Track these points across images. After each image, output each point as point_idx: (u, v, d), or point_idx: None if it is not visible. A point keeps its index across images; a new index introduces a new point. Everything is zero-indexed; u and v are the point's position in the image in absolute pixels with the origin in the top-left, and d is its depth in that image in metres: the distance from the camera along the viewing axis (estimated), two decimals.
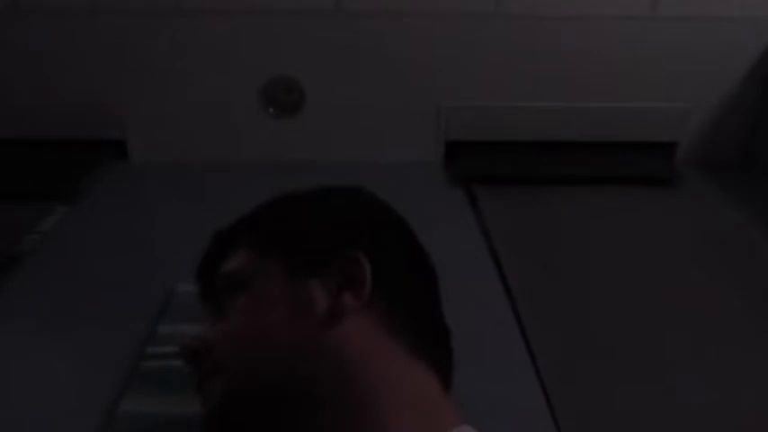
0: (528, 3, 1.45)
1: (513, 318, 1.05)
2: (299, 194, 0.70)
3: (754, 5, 1.46)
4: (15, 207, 1.32)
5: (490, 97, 1.54)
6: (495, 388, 0.86)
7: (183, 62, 1.49)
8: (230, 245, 0.67)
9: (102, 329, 0.98)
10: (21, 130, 1.52)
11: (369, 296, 0.54)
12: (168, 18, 1.44)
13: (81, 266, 1.15)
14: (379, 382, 0.51)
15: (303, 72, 1.51)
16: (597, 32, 1.49)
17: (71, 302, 1.05)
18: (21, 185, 1.42)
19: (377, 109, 1.54)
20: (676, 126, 1.59)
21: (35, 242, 1.22)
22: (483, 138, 1.58)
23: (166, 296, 1.04)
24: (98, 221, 1.31)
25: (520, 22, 1.47)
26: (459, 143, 1.58)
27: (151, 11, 1.43)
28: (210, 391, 0.57)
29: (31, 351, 0.94)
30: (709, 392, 0.91)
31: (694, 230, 1.36)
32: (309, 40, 1.48)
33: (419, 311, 0.59)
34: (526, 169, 1.53)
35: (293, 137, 1.56)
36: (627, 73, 1.53)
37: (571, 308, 1.09)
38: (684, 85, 1.54)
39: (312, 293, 0.55)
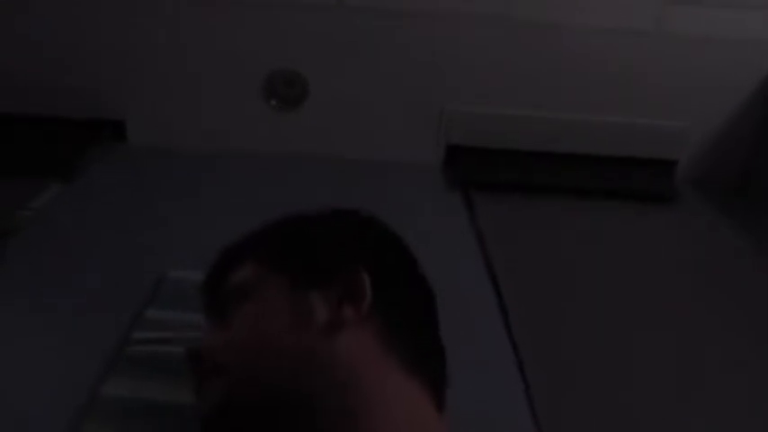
0: (535, 10, 1.45)
1: (503, 325, 1.05)
2: (306, 215, 0.72)
3: (757, 28, 1.46)
4: (10, 182, 1.31)
5: (493, 103, 1.54)
6: (482, 399, 0.86)
7: (189, 48, 1.48)
8: (238, 259, 0.69)
9: (89, 311, 0.97)
10: (22, 107, 1.51)
11: (368, 310, 0.56)
12: (176, 3, 1.43)
13: (72, 246, 1.14)
14: (373, 395, 0.52)
15: (307, 66, 1.50)
16: (602, 45, 1.49)
17: (59, 282, 1.04)
18: (17, 162, 1.41)
19: (379, 107, 1.54)
20: (676, 144, 1.60)
21: (27, 219, 1.21)
22: (483, 144, 1.58)
23: (156, 282, 1.03)
24: (92, 201, 1.30)
25: (526, 28, 1.47)
26: (459, 147, 1.58)
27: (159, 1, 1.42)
28: (210, 392, 0.58)
29: (15, 329, 0.93)
30: (697, 402, 0.92)
31: (688, 247, 1.36)
32: (315, 34, 1.47)
33: (416, 330, 0.61)
34: (525, 177, 1.53)
35: (293, 130, 1.55)
36: (630, 87, 1.53)
37: (560, 317, 1.09)
38: (686, 103, 1.54)
39: (313, 305, 0.57)
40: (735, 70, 1.52)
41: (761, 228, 1.43)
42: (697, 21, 1.46)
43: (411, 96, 1.53)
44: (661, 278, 1.23)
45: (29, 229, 1.18)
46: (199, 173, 1.43)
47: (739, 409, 0.93)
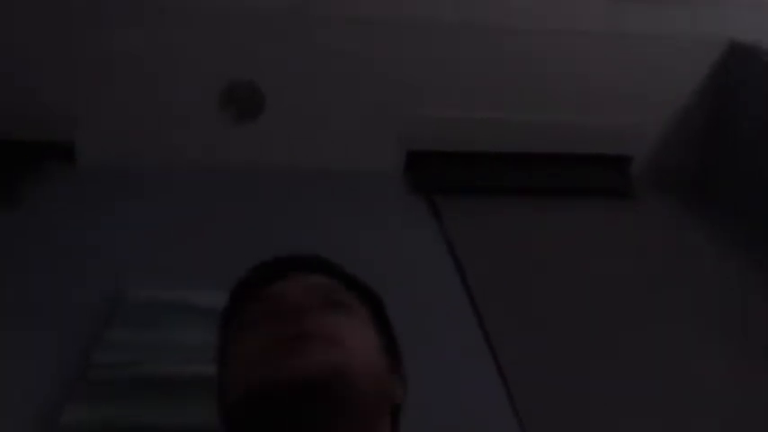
0: (491, 15, 1.46)
1: (477, 324, 1.04)
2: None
3: (704, 22, 1.51)
4: None
5: (450, 107, 1.54)
6: (464, 409, 0.85)
7: (141, 63, 1.43)
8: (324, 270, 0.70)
9: (45, 337, 0.91)
10: None
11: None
12: (131, 16, 1.39)
13: (23, 270, 1.08)
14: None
15: (264, 76, 1.48)
16: (554, 45, 1.51)
17: (12, 308, 0.98)
18: None
19: (338, 116, 1.52)
20: (631, 140, 1.63)
21: None
22: (443, 148, 1.58)
23: (114, 301, 0.98)
24: (42, 225, 1.24)
25: (482, 34, 1.48)
26: (419, 153, 1.57)
27: (109, 11, 1.37)
28: (313, 352, 0.55)
29: None
30: (662, 393, 0.93)
31: (647, 242, 1.38)
32: (272, 43, 1.45)
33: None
34: (485, 179, 1.53)
35: (252, 141, 1.52)
36: (584, 86, 1.55)
37: (531, 314, 1.10)
38: (639, 100, 1.58)
39: (382, 345, 0.64)
40: (684, 65, 1.56)
41: (717, 221, 1.46)
42: (645, 18, 1.49)
43: (370, 103, 1.52)
44: (622, 274, 1.24)
45: None
46: (153, 190, 1.38)
47: (705, 399, 0.94)
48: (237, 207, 1.33)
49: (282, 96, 1.49)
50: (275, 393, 0.53)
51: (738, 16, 1.51)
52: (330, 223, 1.28)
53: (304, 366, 0.53)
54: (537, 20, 1.47)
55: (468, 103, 1.54)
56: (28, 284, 1.04)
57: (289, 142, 1.53)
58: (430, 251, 1.25)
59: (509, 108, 1.55)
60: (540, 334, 1.04)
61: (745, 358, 1.04)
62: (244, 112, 1.50)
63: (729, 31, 1.53)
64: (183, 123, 1.49)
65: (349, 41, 1.45)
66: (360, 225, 1.27)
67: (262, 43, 1.44)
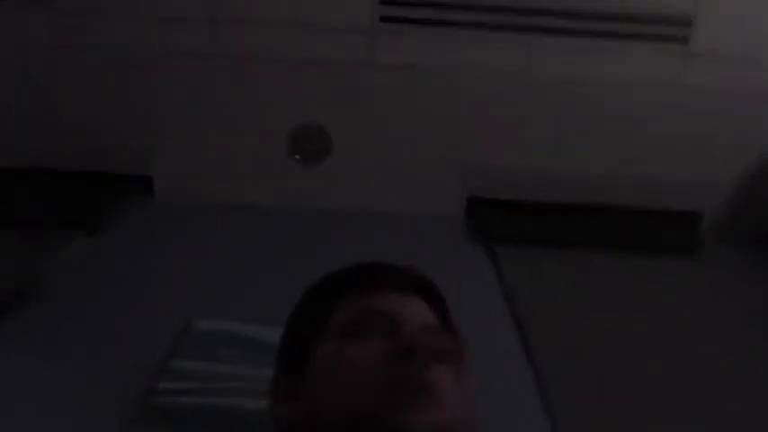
0: (559, 64, 1.48)
1: (534, 380, 1.02)
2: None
3: None
4: (37, 235, 1.33)
5: (515, 155, 1.55)
6: None
7: (215, 103, 1.52)
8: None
9: (113, 362, 0.96)
10: (54, 161, 1.54)
11: None
12: (205, 60, 1.48)
13: (97, 297, 1.14)
14: None
15: (332, 120, 1.53)
16: (625, 97, 1.50)
17: (84, 333, 1.03)
18: (46, 214, 1.43)
19: (402, 161, 1.55)
20: (701, 196, 1.59)
21: (54, 270, 1.22)
22: (506, 196, 1.58)
23: (181, 332, 1.02)
24: (117, 254, 1.31)
25: (550, 83, 1.49)
26: (482, 199, 1.58)
27: (188, 51, 1.47)
28: (426, 408, 0.56)
29: (40, 380, 0.92)
30: None
31: (715, 301, 1.33)
32: (341, 89, 1.50)
33: None
34: (548, 230, 1.52)
35: (318, 184, 1.57)
36: (655, 140, 1.53)
37: (589, 370, 1.07)
38: (710, 155, 1.54)
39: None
40: (759, 124, 1.52)
41: None
42: (720, 74, 1.47)
43: (434, 149, 1.55)
44: (686, 333, 1.20)
45: (55, 280, 1.19)
46: (224, 227, 1.44)
47: None
48: (303, 247, 1.36)
49: (349, 140, 1.54)
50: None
51: None
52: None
53: (414, 422, 0.55)
54: (607, 69, 1.48)
55: (533, 152, 1.55)
56: (100, 311, 1.10)
57: (354, 185, 1.57)
58: (487, 301, 1.25)
59: (575, 158, 1.55)
60: (599, 391, 1.02)
61: None
62: (311, 155, 1.55)
63: None
64: (254, 164, 1.56)
65: (415, 88, 1.50)
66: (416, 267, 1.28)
67: (331, 89, 1.50)
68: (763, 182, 1.57)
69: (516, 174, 1.56)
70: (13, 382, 0.91)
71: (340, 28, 1.45)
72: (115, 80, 1.50)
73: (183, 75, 1.49)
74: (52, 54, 1.47)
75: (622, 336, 1.18)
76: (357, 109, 1.52)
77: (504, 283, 1.30)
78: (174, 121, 1.53)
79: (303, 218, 1.49)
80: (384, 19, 1.45)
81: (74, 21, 1.45)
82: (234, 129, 1.53)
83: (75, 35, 1.46)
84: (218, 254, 1.32)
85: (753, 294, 1.37)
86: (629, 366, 1.09)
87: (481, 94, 1.51)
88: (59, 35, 1.45)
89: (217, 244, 1.36)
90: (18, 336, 1.02)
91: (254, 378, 0.90)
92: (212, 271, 1.25)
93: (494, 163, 1.56)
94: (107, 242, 1.35)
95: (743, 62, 1.47)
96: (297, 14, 1.44)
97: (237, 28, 1.46)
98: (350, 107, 1.52)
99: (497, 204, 1.57)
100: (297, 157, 1.56)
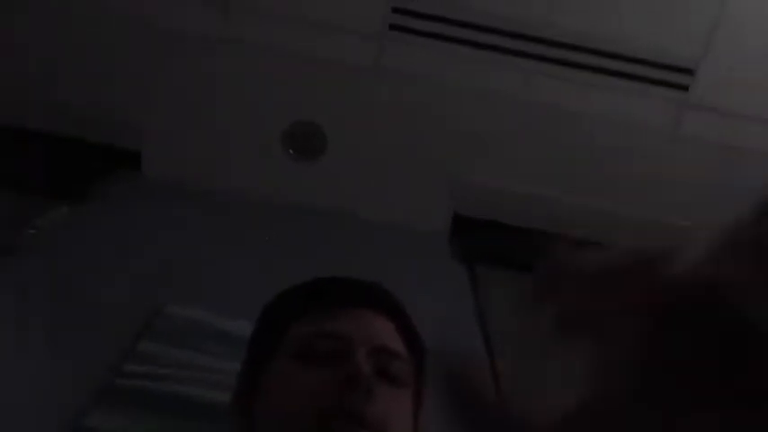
0: (558, 93, 1.49)
1: None
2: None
3: None
4: (20, 199, 1.31)
5: (506, 178, 1.56)
6: None
7: (213, 88, 1.51)
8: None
9: (81, 340, 0.94)
10: (43, 123, 1.52)
11: None
12: (209, 43, 1.47)
13: (71, 270, 1.13)
14: None
15: (329, 121, 1.53)
16: (619, 136, 1.52)
17: (54, 305, 1.02)
18: (30, 178, 1.41)
19: (393, 169, 1.56)
20: (678, 240, 1.60)
21: (31, 237, 1.20)
22: (492, 217, 1.59)
23: (152, 315, 1.01)
24: (98, 228, 1.29)
25: (547, 112, 1.51)
26: (467, 218, 1.58)
27: (194, 32, 1.46)
28: None
29: (4, 351, 0.91)
30: None
31: None
32: (340, 91, 1.51)
33: None
34: (531, 257, 1.52)
35: (307, 181, 1.57)
36: (645, 182, 1.55)
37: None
38: (695, 206, 1.56)
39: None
40: (752, 180, 1.54)
41: None
42: (716, 125, 1.50)
43: (425, 161, 1.55)
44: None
45: (31, 248, 1.17)
46: (208, 213, 1.43)
47: None
48: (284, 242, 1.36)
49: (343, 142, 1.54)
50: None
51: None
52: (363, 270, 1.29)
53: None
54: (604, 106, 1.49)
55: (524, 177, 1.56)
56: (72, 282, 1.08)
57: (343, 187, 1.57)
58: (460, 319, 1.25)
59: (564, 188, 1.56)
60: None
61: None
62: (304, 152, 1.55)
63: None
64: (246, 152, 1.55)
65: (413, 100, 1.50)
66: (393, 278, 1.28)
67: (332, 90, 1.50)
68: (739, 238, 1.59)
69: (503, 196, 1.57)
70: None
71: (349, 30, 1.45)
72: (115, 52, 1.49)
73: (183, 56, 1.48)
74: (52, 19, 1.46)
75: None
76: (354, 113, 1.52)
77: (478, 304, 1.31)
78: (169, 99, 1.52)
79: (287, 212, 1.49)
80: (394, 27, 1.45)
81: None
82: (229, 115, 1.53)
83: (77, 3, 1.45)
84: (198, 237, 1.31)
85: None
86: None
87: (477, 114, 1.52)
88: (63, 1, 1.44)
89: (197, 227, 1.35)
90: None
91: (219, 370, 0.90)
92: (189, 254, 1.24)
93: (482, 183, 1.57)
94: (89, 213, 1.34)
95: (740, 117, 1.49)
96: (308, 11, 1.44)
97: (247, 16, 1.45)
98: (347, 110, 1.52)
99: (483, 224, 1.58)
100: (290, 151, 1.56)
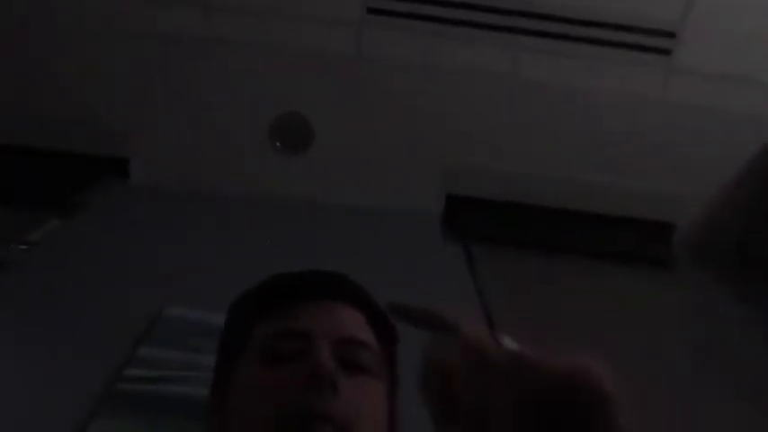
0: (545, 70, 1.48)
1: None
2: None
3: (757, 104, 1.50)
4: (9, 213, 1.30)
5: (496, 157, 1.56)
6: None
7: (197, 88, 1.50)
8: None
9: (83, 346, 0.94)
10: (28, 138, 1.51)
11: None
12: (190, 44, 1.46)
13: (67, 281, 1.12)
14: None
15: (315, 112, 1.52)
16: (607, 107, 1.51)
17: (53, 316, 1.02)
18: (18, 193, 1.40)
19: (383, 155, 1.55)
20: (675, 208, 1.61)
21: (22, 251, 1.20)
22: (484, 195, 1.59)
23: (151, 319, 1.01)
24: (91, 236, 1.29)
25: (535, 88, 1.50)
26: (460, 198, 1.58)
27: (174, 34, 1.45)
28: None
29: (6, 363, 0.91)
30: None
31: (685, 316, 1.35)
32: (326, 81, 1.50)
33: None
34: (524, 233, 1.53)
35: (297, 175, 1.56)
36: (634, 150, 1.55)
37: None
38: (686, 169, 1.56)
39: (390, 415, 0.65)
40: (734, 142, 1.54)
41: (756, 296, 1.43)
42: (702, 89, 1.49)
43: (415, 146, 1.55)
44: (651, 343, 1.22)
45: (25, 262, 1.17)
46: (199, 214, 1.42)
47: None
48: (278, 237, 1.35)
49: (330, 131, 1.53)
50: None
51: None
52: (360, 259, 1.29)
53: None
54: (593, 78, 1.49)
55: (514, 156, 1.56)
56: (71, 293, 1.08)
57: (334, 177, 1.56)
58: (460, 299, 1.25)
59: (555, 164, 1.56)
60: None
61: None
62: (292, 144, 1.54)
63: None
64: (234, 151, 1.54)
65: (400, 83, 1.49)
66: (391, 263, 1.28)
67: (316, 81, 1.49)
68: (735, 198, 1.59)
69: (496, 174, 1.57)
70: None
71: (327, 18, 1.44)
72: (98, 59, 1.47)
73: (166, 58, 1.47)
74: (46, 36, 1.44)
75: (591, 341, 1.19)
76: (339, 101, 1.51)
77: (477, 282, 1.31)
78: (154, 104, 1.51)
79: (279, 207, 1.48)
80: (371, 11, 1.44)
81: None
82: (214, 115, 1.52)
83: (61, 12, 1.43)
84: (192, 239, 1.31)
85: (720, 306, 1.40)
86: None
87: (465, 94, 1.51)
88: (40, 10, 1.43)
89: (191, 229, 1.35)
90: None
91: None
92: (185, 257, 1.23)
93: (474, 162, 1.57)
94: (81, 224, 1.33)
95: (724, 78, 1.49)
96: (285, 3, 1.43)
97: (225, 14, 1.44)
98: (332, 99, 1.51)
99: (476, 203, 1.58)
100: (278, 144, 1.55)
